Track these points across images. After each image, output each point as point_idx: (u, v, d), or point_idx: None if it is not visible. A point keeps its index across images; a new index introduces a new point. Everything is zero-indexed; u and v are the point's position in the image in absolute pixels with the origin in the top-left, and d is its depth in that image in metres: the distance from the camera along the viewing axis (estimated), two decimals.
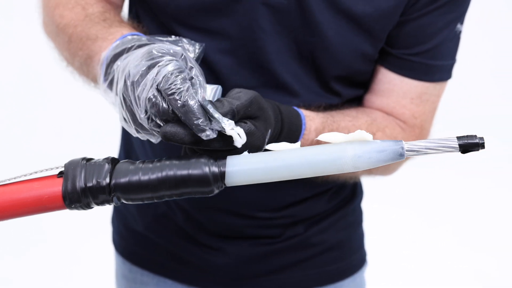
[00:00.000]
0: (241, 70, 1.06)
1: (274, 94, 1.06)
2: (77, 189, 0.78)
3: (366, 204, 1.32)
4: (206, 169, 0.77)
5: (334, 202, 1.21)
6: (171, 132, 0.77)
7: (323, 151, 0.78)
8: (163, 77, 0.77)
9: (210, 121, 0.77)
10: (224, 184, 0.79)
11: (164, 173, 0.77)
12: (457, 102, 3.77)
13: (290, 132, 0.92)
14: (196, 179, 0.77)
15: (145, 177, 0.77)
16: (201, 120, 0.76)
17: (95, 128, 3.51)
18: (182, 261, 1.21)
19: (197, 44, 0.88)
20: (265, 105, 0.84)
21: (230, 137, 0.78)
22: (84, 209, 0.80)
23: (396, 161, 0.78)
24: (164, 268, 1.23)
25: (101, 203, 0.79)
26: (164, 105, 0.77)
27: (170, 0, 1.04)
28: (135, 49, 0.85)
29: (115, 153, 1.30)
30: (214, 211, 1.15)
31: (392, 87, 1.10)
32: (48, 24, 1.09)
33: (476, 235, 3.02)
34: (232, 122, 0.77)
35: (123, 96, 0.81)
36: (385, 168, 0.91)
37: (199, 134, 0.76)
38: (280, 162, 0.78)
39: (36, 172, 0.80)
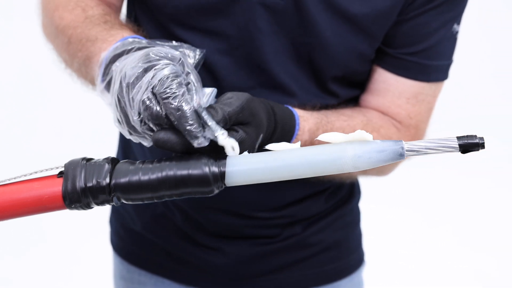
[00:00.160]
0: (238, 71, 1.06)
1: (271, 95, 1.06)
2: (77, 189, 0.78)
3: (365, 204, 1.32)
4: (206, 169, 0.77)
5: (332, 202, 1.21)
6: (163, 140, 0.77)
7: (323, 151, 0.78)
8: (159, 80, 0.77)
9: (204, 128, 0.76)
10: (224, 184, 0.78)
11: (164, 173, 0.77)
12: (457, 102, 3.78)
13: (283, 132, 0.92)
14: (196, 179, 0.77)
15: (145, 177, 0.77)
16: (194, 126, 0.75)
17: (95, 128, 3.51)
18: (181, 261, 1.21)
19: (198, 50, 0.88)
20: (257, 109, 0.84)
21: (221, 147, 0.78)
22: (84, 209, 0.80)
23: (396, 161, 0.78)
24: (162, 268, 1.23)
25: (101, 203, 0.79)
26: (158, 108, 0.77)
27: (168, 1, 1.04)
28: (135, 51, 0.85)
29: (114, 154, 1.30)
30: (213, 211, 1.15)
31: (387, 86, 1.10)
32: (47, 25, 1.09)
33: (475, 235, 3.02)
34: (226, 132, 0.77)
35: (117, 97, 0.81)
36: (381, 168, 0.91)
37: (191, 141, 0.76)
38: (280, 162, 0.78)
39: (36, 172, 0.80)
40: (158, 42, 0.89)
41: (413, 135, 1.11)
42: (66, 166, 0.80)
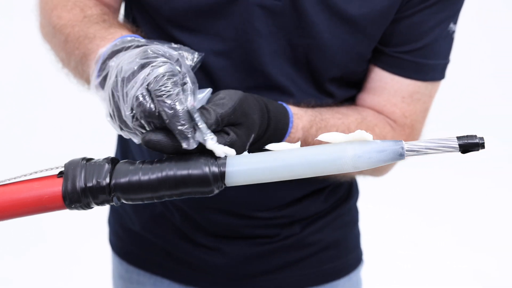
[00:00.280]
0: (235, 72, 1.06)
1: (268, 96, 1.05)
2: (77, 189, 0.78)
3: (365, 204, 1.32)
4: (206, 169, 0.77)
5: (331, 201, 1.21)
6: (154, 140, 0.77)
7: (323, 151, 0.78)
8: (155, 77, 0.76)
9: (195, 129, 0.76)
10: (224, 184, 0.78)
11: (164, 173, 0.77)
12: (456, 101, 3.78)
13: (277, 130, 0.92)
14: (196, 179, 0.77)
15: (145, 177, 0.77)
16: (185, 127, 0.75)
17: (95, 128, 3.50)
18: (180, 261, 1.21)
19: (196, 53, 0.88)
20: (250, 109, 0.84)
21: (210, 150, 0.78)
22: (84, 209, 0.80)
23: (396, 161, 0.78)
24: (161, 268, 1.23)
25: (101, 203, 0.79)
26: (151, 106, 0.76)
27: (165, 3, 1.03)
28: (134, 48, 0.85)
29: (113, 154, 1.30)
30: (211, 211, 1.15)
31: (383, 85, 1.10)
32: (45, 25, 1.08)
33: (474, 234, 3.03)
34: (215, 137, 0.77)
35: (112, 91, 0.81)
36: (377, 168, 0.91)
37: (181, 141, 0.76)
38: (280, 162, 0.78)
39: (36, 172, 0.80)
40: (157, 42, 0.89)
41: (408, 134, 1.11)
42: (66, 166, 0.80)
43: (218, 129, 0.79)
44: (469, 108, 3.81)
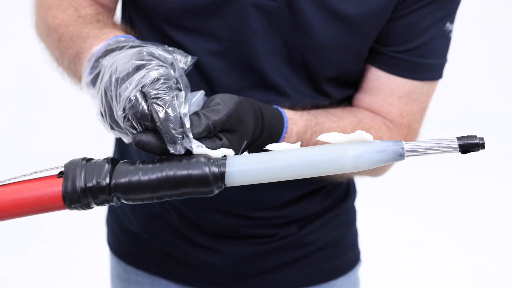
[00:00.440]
0: (231, 72, 1.06)
1: (264, 96, 1.06)
2: (77, 189, 0.78)
3: (364, 204, 1.32)
4: (206, 169, 0.77)
5: (328, 201, 1.21)
6: (144, 141, 0.78)
7: (323, 152, 0.78)
8: (151, 80, 0.77)
9: (184, 135, 0.77)
10: (224, 184, 0.79)
11: (164, 173, 0.77)
12: (456, 101, 3.78)
13: (271, 135, 0.92)
14: (196, 179, 0.77)
15: (145, 177, 0.77)
16: (176, 132, 0.76)
17: (95, 128, 3.49)
18: (177, 261, 1.21)
19: (190, 56, 0.88)
20: (245, 115, 0.84)
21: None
22: (84, 209, 0.80)
23: (396, 162, 0.78)
24: (159, 268, 1.23)
25: (101, 203, 0.79)
26: (145, 108, 0.77)
27: (161, 2, 1.04)
28: (128, 48, 0.85)
29: (112, 154, 1.30)
30: (209, 211, 1.15)
31: (379, 85, 1.10)
32: (39, 25, 1.09)
33: (474, 234, 3.02)
34: (202, 146, 0.78)
35: (105, 90, 0.81)
36: (375, 169, 0.91)
37: (169, 146, 0.76)
38: (280, 162, 0.78)
39: (36, 172, 0.80)
40: (151, 44, 0.89)
41: (405, 134, 1.11)
42: (66, 166, 0.80)
43: (211, 135, 0.80)
44: (468, 108, 3.81)
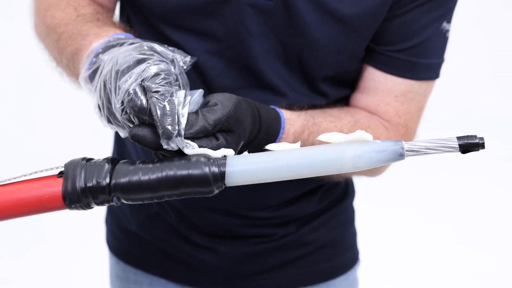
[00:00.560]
0: (228, 71, 1.06)
1: (261, 95, 1.06)
2: (77, 189, 0.78)
3: (365, 203, 1.32)
4: (206, 169, 0.77)
5: (326, 201, 1.21)
6: (139, 135, 0.78)
7: (323, 151, 0.78)
8: (151, 74, 0.77)
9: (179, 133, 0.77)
10: (224, 184, 0.79)
11: (164, 173, 0.77)
12: (455, 100, 3.78)
13: (267, 135, 0.93)
14: (196, 179, 0.77)
15: (145, 177, 0.77)
16: (172, 128, 0.76)
17: (95, 128, 3.50)
18: (176, 261, 1.21)
19: (189, 56, 0.89)
20: (244, 116, 0.84)
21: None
22: (84, 209, 0.80)
23: (396, 161, 0.78)
24: (157, 268, 1.23)
25: (101, 203, 0.79)
26: (143, 101, 0.77)
27: (158, 2, 1.04)
28: (129, 45, 0.85)
29: (110, 154, 1.30)
30: (207, 210, 1.15)
31: (376, 84, 1.10)
32: (38, 26, 1.09)
33: (473, 234, 3.02)
34: (195, 146, 0.78)
35: (104, 82, 0.81)
36: (372, 169, 0.92)
37: (163, 141, 0.76)
38: (280, 162, 0.78)
39: (36, 172, 0.80)
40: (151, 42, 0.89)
41: (402, 134, 1.10)
42: (66, 166, 0.80)
43: (208, 135, 0.80)
44: (468, 108, 3.81)
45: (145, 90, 0.77)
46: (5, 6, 3.80)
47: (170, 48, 0.87)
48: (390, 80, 1.09)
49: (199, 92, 0.85)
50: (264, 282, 1.21)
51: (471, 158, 1.40)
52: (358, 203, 1.33)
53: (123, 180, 0.78)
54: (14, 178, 0.80)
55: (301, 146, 0.98)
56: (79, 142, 3.47)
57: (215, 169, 0.77)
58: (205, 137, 0.80)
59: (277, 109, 0.97)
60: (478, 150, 0.77)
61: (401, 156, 0.77)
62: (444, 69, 1.13)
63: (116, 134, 1.24)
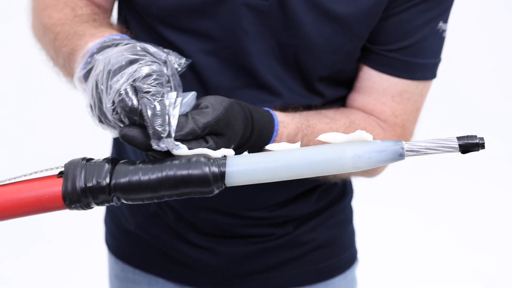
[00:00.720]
0: (224, 71, 1.06)
1: (257, 95, 1.06)
2: (77, 189, 0.78)
3: (364, 203, 1.32)
4: (206, 169, 0.77)
5: (324, 201, 1.21)
6: (129, 136, 0.78)
7: (323, 151, 0.78)
8: (143, 75, 0.77)
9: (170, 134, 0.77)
10: (224, 184, 0.79)
11: (164, 173, 0.77)
12: (455, 100, 3.78)
13: (260, 139, 0.93)
14: (196, 179, 0.77)
15: (145, 177, 0.77)
16: (162, 129, 0.76)
17: (95, 128, 3.49)
18: (174, 260, 1.21)
19: (184, 59, 0.89)
20: (235, 119, 0.85)
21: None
22: (84, 209, 0.80)
23: (396, 161, 0.78)
24: (156, 267, 1.23)
25: (101, 203, 0.79)
26: (134, 102, 0.77)
27: (153, 2, 1.04)
28: (124, 45, 0.85)
29: (109, 155, 1.30)
30: (205, 210, 1.15)
31: (372, 84, 1.10)
32: (36, 26, 1.10)
33: (473, 234, 3.02)
34: (184, 148, 0.78)
35: (96, 81, 0.81)
36: (369, 169, 0.92)
37: (152, 141, 0.77)
38: (280, 162, 0.78)
39: (36, 172, 0.80)
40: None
41: (399, 134, 1.10)
42: (66, 166, 0.80)
43: (198, 138, 0.80)
44: (468, 108, 3.81)
45: (136, 90, 0.78)
46: (5, 6, 3.80)
47: (165, 50, 0.88)
48: (386, 80, 1.09)
49: (192, 94, 0.85)
50: (262, 281, 1.21)
51: (471, 158, 1.40)
52: (358, 203, 1.33)
53: (123, 180, 0.78)
54: (14, 178, 0.80)
55: None
56: (79, 142, 3.47)
57: (215, 169, 0.77)
58: (195, 140, 0.80)
59: (271, 111, 0.97)
60: (478, 150, 0.77)
61: (401, 156, 0.77)
62: (444, 69, 1.13)
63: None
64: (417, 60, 1.08)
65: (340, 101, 1.14)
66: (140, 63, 0.79)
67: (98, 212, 1.41)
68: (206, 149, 0.79)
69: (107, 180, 0.78)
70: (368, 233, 2.41)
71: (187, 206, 1.16)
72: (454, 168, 3.37)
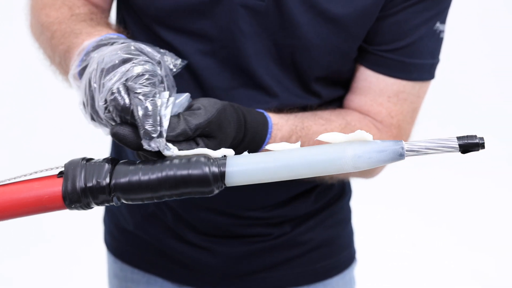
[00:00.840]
0: (221, 72, 1.06)
1: (254, 95, 1.06)
2: (77, 189, 0.78)
3: (363, 203, 1.32)
4: (206, 169, 0.77)
5: (321, 202, 1.21)
6: (120, 134, 0.78)
7: (323, 151, 0.78)
8: (135, 75, 0.78)
9: (161, 134, 0.77)
10: (224, 184, 0.79)
11: (164, 173, 0.77)
12: (456, 101, 3.78)
13: (254, 140, 0.93)
14: (196, 179, 0.77)
15: (145, 177, 0.77)
16: (152, 128, 0.76)
17: (95, 128, 3.50)
18: (172, 260, 1.21)
19: (180, 60, 0.89)
20: (227, 122, 0.85)
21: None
22: (84, 209, 0.80)
23: (395, 161, 0.78)
24: (154, 267, 1.23)
25: (101, 203, 0.79)
26: (126, 101, 0.77)
27: (151, 2, 1.04)
28: (119, 44, 0.85)
29: (108, 155, 1.30)
30: (202, 210, 1.16)
31: (368, 84, 1.09)
32: (33, 25, 1.10)
33: (473, 234, 3.02)
34: (174, 149, 0.78)
35: (89, 79, 0.81)
36: (367, 170, 0.92)
37: (143, 141, 0.77)
38: (280, 162, 0.78)
39: (36, 172, 0.80)
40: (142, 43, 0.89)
41: (395, 135, 1.10)
42: (66, 166, 0.80)
43: (188, 139, 0.80)
44: (468, 107, 3.81)
45: (128, 89, 0.78)
46: (5, 6, 3.80)
47: (161, 50, 0.88)
48: (382, 80, 1.09)
49: (185, 96, 0.85)
50: (260, 281, 1.21)
51: (471, 158, 1.40)
52: (357, 203, 1.33)
53: (123, 180, 0.78)
54: (14, 178, 0.80)
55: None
56: (79, 142, 3.47)
57: (215, 169, 0.77)
58: (185, 141, 0.80)
59: (265, 114, 0.97)
60: (478, 150, 0.77)
61: (401, 156, 0.77)
62: (444, 69, 1.13)
63: None
64: (413, 60, 1.07)
65: (337, 102, 1.14)
66: (133, 63, 0.79)
67: (98, 212, 1.41)
68: (206, 149, 0.80)
69: (107, 180, 0.78)
70: (367, 233, 2.41)
71: (185, 206, 1.16)
72: (453, 168, 3.37)
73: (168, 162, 0.78)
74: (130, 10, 1.10)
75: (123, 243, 1.26)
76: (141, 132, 0.76)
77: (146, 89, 0.77)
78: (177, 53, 1.04)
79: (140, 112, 0.76)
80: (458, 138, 0.76)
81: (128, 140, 0.78)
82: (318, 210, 1.21)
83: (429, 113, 1.16)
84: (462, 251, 2.91)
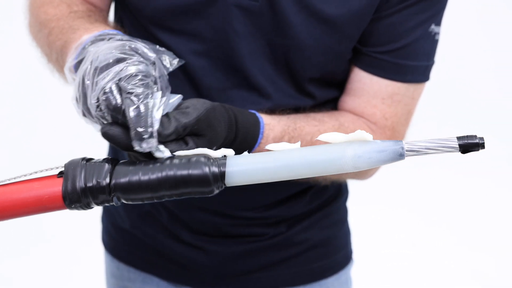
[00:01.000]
0: (215, 72, 1.06)
1: (247, 96, 1.06)
2: (77, 189, 0.78)
3: (363, 203, 1.31)
4: (206, 169, 0.77)
5: (316, 202, 1.21)
6: (110, 134, 0.78)
7: (323, 151, 0.78)
8: (128, 75, 0.77)
9: (152, 135, 0.77)
10: (224, 184, 0.79)
11: (164, 173, 0.77)
12: (456, 100, 3.78)
13: (245, 141, 0.93)
14: (196, 179, 0.77)
15: (145, 177, 0.77)
16: (143, 130, 0.76)
17: (86, 124, 3.49)
18: (167, 259, 1.22)
19: (177, 59, 0.89)
20: (217, 121, 0.84)
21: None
22: (84, 209, 0.80)
23: (395, 161, 0.78)
24: (150, 266, 1.24)
25: (101, 203, 0.79)
26: (118, 101, 0.77)
27: (147, 3, 1.04)
28: (116, 40, 0.85)
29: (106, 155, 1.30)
30: (197, 210, 1.16)
31: (362, 86, 1.09)
32: (32, 23, 1.10)
33: (473, 234, 3.02)
34: (166, 151, 0.78)
35: (83, 76, 0.81)
36: (361, 171, 0.91)
37: (134, 142, 0.77)
38: (280, 162, 0.78)
39: (36, 172, 0.80)
40: (141, 41, 0.89)
41: (389, 137, 1.10)
42: (66, 166, 0.80)
43: (179, 138, 0.80)
44: (468, 107, 3.81)
45: (121, 89, 0.78)
46: (5, 6, 3.80)
47: (161, 48, 0.88)
48: (377, 82, 1.08)
49: (178, 97, 0.85)
50: (256, 281, 1.21)
51: (471, 158, 1.40)
52: (354, 203, 1.33)
53: (123, 180, 0.78)
54: (14, 178, 0.80)
55: None
56: (79, 142, 3.47)
57: (215, 169, 0.77)
58: (174, 141, 0.80)
59: (257, 114, 0.97)
60: (478, 150, 0.77)
61: (401, 156, 0.77)
62: (444, 68, 1.13)
63: None
64: (408, 62, 1.07)
65: (331, 103, 1.14)
66: (127, 63, 0.79)
67: (98, 212, 1.42)
68: (206, 149, 0.79)
69: (107, 180, 0.78)
70: (365, 233, 2.41)
71: (181, 206, 1.16)
72: (453, 168, 3.37)
73: (168, 162, 0.78)
74: (126, 11, 1.10)
75: (120, 242, 1.27)
76: (132, 133, 0.76)
77: (139, 90, 0.77)
78: (173, 53, 1.04)
79: (132, 113, 0.76)
80: (458, 138, 0.76)
81: (118, 140, 0.78)
82: (314, 210, 1.21)
83: (429, 112, 1.16)
84: (462, 251, 2.91)
